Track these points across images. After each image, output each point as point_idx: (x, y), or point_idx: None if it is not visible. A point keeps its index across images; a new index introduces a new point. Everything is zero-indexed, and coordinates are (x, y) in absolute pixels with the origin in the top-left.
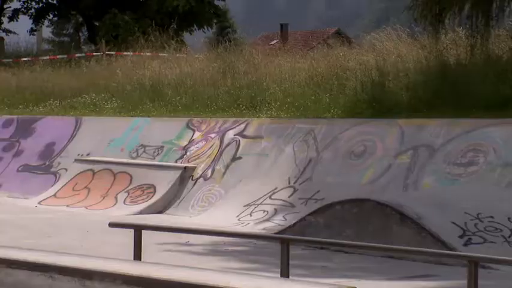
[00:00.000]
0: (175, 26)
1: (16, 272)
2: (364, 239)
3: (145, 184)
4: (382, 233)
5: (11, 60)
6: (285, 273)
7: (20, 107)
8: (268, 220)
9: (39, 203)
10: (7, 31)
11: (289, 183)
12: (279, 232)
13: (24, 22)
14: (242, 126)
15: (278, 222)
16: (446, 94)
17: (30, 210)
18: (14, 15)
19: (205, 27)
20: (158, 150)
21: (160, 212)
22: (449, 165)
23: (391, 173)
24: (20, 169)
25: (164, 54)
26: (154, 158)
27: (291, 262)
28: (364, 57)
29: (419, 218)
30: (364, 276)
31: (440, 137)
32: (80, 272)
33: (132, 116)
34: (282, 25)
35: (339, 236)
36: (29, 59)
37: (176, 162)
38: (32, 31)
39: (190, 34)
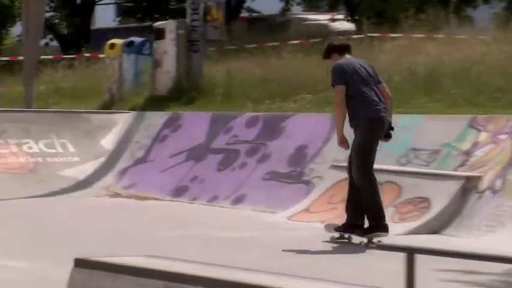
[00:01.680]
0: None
1: None
2: None
3: (417, 198)
4: None
5: (254, 45)
6: None
7: (266, 102)
8: None
9: (289, 218)
10: (251, 11)
11: None
12: None
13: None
14: None
15: None
16: None
17: (278, 226)
18: None
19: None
20: (433, 156)
21: (435, 232)
22: None
23: None
24: (265, 177)
25: (440, 36)
26: (429, 165)
27: None
28: None
29: None
30: None
31: None
32: None
33: (400, 113)
34: None
35: None
36: (276, 43)
37: (456, 170)
38: (283, 11)
39: (474, 9)
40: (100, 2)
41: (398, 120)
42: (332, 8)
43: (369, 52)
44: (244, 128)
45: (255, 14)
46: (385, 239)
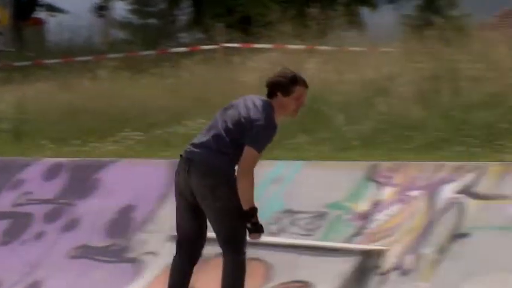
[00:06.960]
0: None
1: None
2: None
3: (295, 282)
4: None
5: (58, 60)
6: None
7: (74, 142)
8: None
9: None
10: (52, 9)
11: None
12: None
13: None
14: (470, 176)
15: None
16: None
17: None
18: None
19: None
20: (317, 220)
21: None
22: None
23: None
24: (73, 253)
25: (326, 48)
26: (311, 234)
27: None
28: None
29: None
30: None
31: None
32: None
33: (271, 159)
34: None
35: None
36: (90, 58)
37: (350, 241)
38: (98, 10)
39: (372, 11)
40: None
41: (268, 170)
42: (172, 7)
43: (226, 69)
44: (40, 182)
45: (56, 13)
46: None
